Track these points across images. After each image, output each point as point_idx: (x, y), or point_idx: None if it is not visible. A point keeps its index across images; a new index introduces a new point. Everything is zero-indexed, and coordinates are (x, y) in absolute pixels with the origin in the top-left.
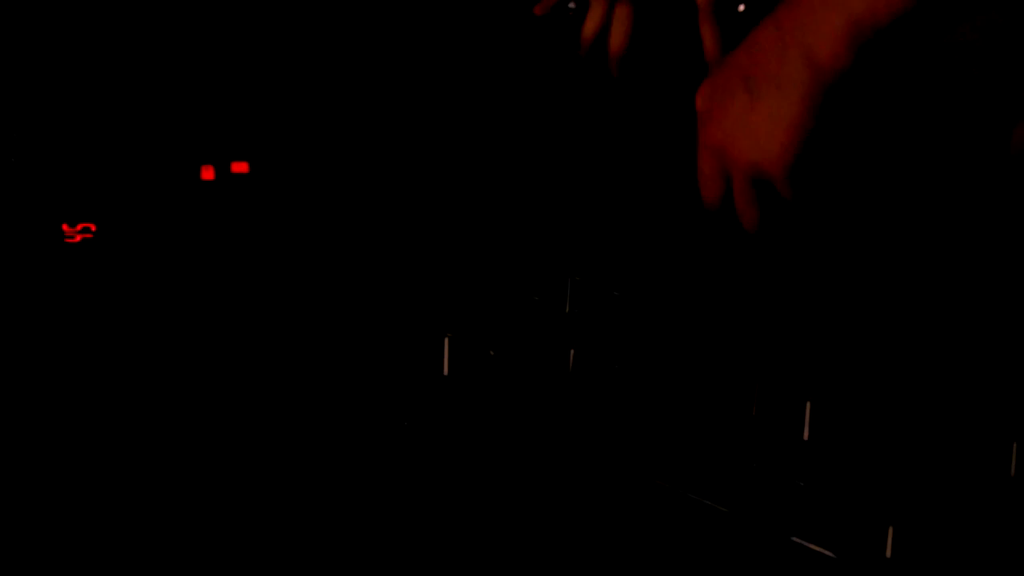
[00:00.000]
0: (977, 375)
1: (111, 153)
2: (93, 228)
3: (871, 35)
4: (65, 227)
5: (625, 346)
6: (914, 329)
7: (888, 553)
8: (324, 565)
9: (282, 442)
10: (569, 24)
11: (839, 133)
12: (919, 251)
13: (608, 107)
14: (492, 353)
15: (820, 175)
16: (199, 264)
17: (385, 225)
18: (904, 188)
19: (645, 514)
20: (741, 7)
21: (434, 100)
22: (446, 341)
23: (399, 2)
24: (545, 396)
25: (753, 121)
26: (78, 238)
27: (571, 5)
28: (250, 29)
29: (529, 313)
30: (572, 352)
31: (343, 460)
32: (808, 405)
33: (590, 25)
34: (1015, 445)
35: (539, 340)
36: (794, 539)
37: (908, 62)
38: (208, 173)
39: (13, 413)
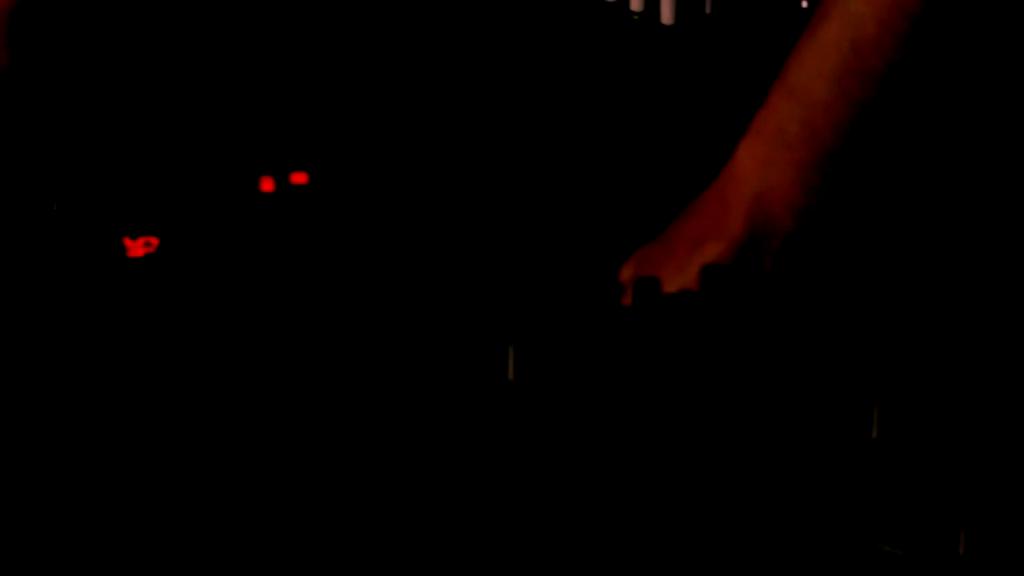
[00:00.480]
0: None
1: (171, 165)
2: (155, 242)
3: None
4: (127, 241)
5: (695, 352)
6: (983, 328)
7: (961, 551)
8: (399, 563)
9: (349, 447)
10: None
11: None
12: (987, 251)
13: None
14: (554, 359)
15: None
16: (261, 276)
17: (447, 234)
18: (959, 194)
19: (710, 514)
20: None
21: (497, 108)
22: (510, 351)
23: (464, 10)
24: (609, 401)
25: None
26: (140, 252)
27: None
28: (307, 37)
29: (596, 319)
30: (635, 358)
31: (409, 461)
32: (876, 409)
33: None
34: None
35: (606, 347)
36: (866, 539)
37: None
38: (268, 185)
39: (75, 425)
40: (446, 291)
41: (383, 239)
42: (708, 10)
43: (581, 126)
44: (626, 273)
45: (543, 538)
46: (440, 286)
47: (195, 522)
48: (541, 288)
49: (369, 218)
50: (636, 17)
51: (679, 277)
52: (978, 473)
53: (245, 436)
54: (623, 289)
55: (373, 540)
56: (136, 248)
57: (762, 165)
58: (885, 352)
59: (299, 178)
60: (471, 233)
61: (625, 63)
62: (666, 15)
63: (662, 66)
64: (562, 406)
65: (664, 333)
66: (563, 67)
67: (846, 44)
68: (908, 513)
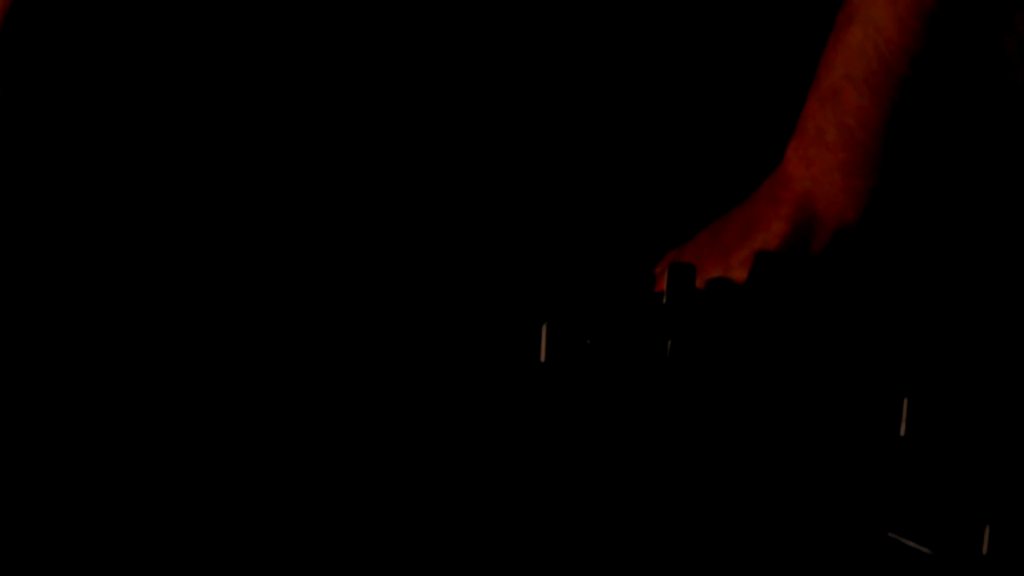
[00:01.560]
0: None
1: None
2: None
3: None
4: None
5: (724, 338)
6: (1012, 324)
7: (984, 550)
8: (441, 545)
9: (380, 425)
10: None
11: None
12: (1020, 246)
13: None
14: (589, 342)
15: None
16: (298, 255)
17: (485, 216)
18: (983, 192)
19: (737, 507)
20: None
21: (536, 95)
22: (543, 328)
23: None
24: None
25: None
26: None
27: None
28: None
29: (627, 303)
30: (670, 343)
31: (439, 441)
32: (905, 401)
33: None
34: None
35: (637, 330)
36: (890, 535)
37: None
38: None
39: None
40: (481, 274)
41: (421, 217)
42: None
43: (616, 115)
44: (666, 261)
45: (575, 520)
46: (476, 268)
47: (227, 497)
48: (575, 271)
49: (408, 196)
50: None
51: (722, 264)
52: (1003, 471)
53: (274, 419)
54: (657, 276)
55: (405, 521)
56: None
57: (807, 165)
58: (914, 349)
59: None
60: (508, 215)
61: (664, 50)
62: None
63: (699, 54)
64: (593, 389)
65: (697, 317)
66: (603, 57)
67: (870, 47)
68: (933, 510)
